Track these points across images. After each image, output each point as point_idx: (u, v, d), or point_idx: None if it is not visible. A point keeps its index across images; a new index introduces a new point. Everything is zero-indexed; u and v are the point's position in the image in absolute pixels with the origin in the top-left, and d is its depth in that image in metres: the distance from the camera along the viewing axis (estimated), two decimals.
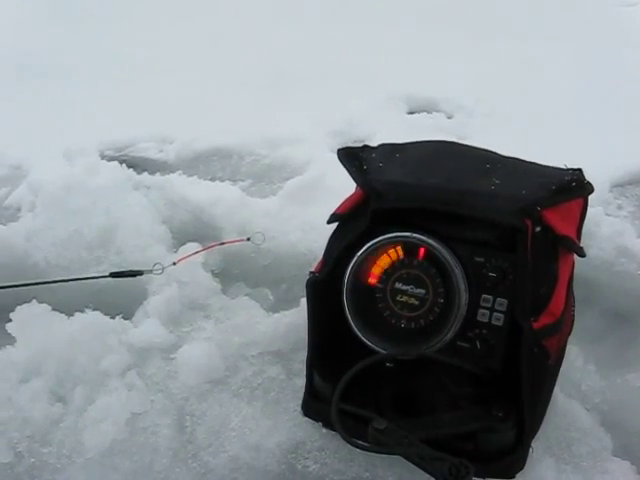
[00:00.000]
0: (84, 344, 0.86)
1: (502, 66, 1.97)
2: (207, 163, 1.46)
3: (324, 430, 0.76)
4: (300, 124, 1.52)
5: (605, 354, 0.93)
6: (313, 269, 0.76)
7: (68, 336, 0.86)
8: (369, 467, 0.73)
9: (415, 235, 0.67)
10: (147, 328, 0.91)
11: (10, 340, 0.88)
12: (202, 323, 0.94)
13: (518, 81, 1.82)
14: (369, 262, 0.70)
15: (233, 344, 0.90)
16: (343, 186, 0.81)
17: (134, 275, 0.97)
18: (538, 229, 0.65)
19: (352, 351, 0.71)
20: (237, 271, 1.10)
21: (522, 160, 0.77)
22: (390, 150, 0.79)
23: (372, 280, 0.71)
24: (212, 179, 1.40)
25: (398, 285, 0.70)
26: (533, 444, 0.71)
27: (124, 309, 0.96)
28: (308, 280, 0.73)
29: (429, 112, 1.64)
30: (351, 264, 0.70)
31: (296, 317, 0.91)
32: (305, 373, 0.78)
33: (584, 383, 0.85)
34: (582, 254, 0.69)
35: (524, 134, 1.43)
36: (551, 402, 0.76)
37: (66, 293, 1.02)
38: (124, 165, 1.31)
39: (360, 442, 0.63)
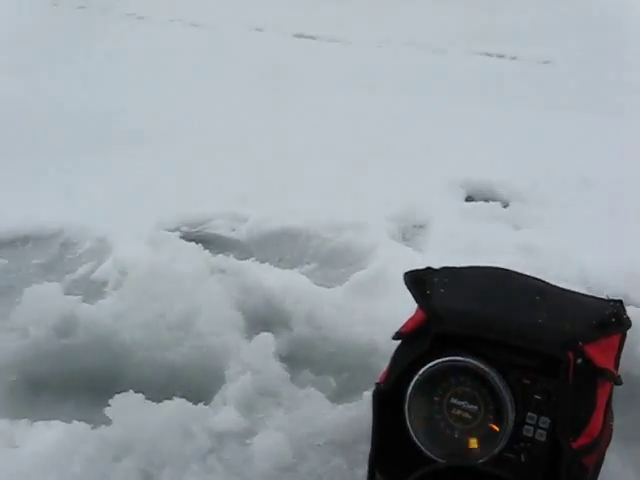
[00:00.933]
0: (171, 429, 1.02)
1: (563, 145, 2.09)
2: (277, 244, 1.62)
3: None
4: (362, 207, 1.68)
5: None
6: (378, 380, 0.89)
7: (158, 421, 1.02)
8: None
9: (470, 360, 0.80)
10: (225, 415, 1.06)
11: (107, 421, 1.04)
12: (273, 411, 1.09)
13: (579, 164, 1.94)
14: (430, 379, 0.83)
15: (301, 433, 1.04)
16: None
17: None
18: (579, 361, 0.77)
19: (411, 455, 0.83)
20: (303, 357, 1.25)
21: (568, 290, 0.89)
22: (451, 274, 0.92)
23: (431, 394, 0.84)
24: (281, 260, 1.57)
25: (454, 400, 0.82)
26: None
27: (204, 394, 1.12)
28: (374, 391, 0.86)
29: (486, 200, 1.77)
30: (413, 380, 0.83)
31: (358, 410, 1.05)
32: (367, 468, 0.90)
33: None
34: (619, 383, 0.80)
35: (578, 227, 1.55)
36: None
37: (152, 374, 1.19)
38: (200, 245, 1.50)
39: None
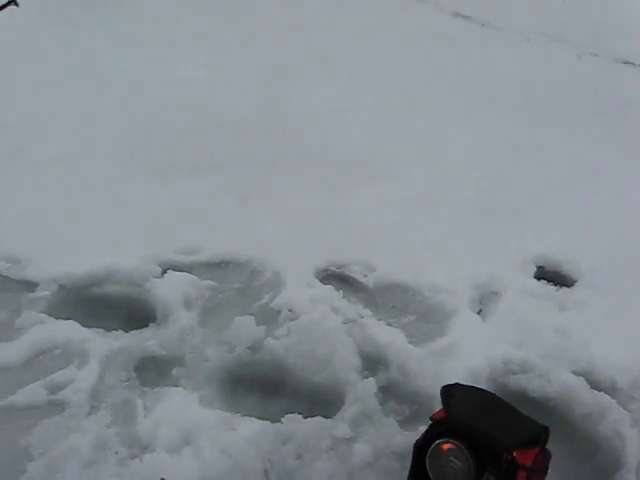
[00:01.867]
0: (313, 431, 2.03)
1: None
2: (392, 294, 2.53)
3: None
4: (453, 273, 2.52)
5: None
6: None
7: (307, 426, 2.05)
8: None
9: (456, 441, 1.71)
10: (342, 428, 2.05)
11: (277, 416, 2.07)
12: (368, 428, 2.05)
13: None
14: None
15: (380, 446, 2.00)
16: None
17: None
18: (509, 457, 1.65)
19: None
20: (393, 394, 2.19)
21: (521, 413, 1.74)
22: (462, 391, 1.80)
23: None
24: (393, 307, 2.48)
25: (450, 459, 1.74)
26: None
27: (330, 410, 2.11)
28: (415, 442, 1.80)
29: (547, 280, 2.53)
30: (432, 445, 1.76)
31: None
32: None
33: None
34: (528, 470, 1.67)
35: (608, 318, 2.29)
36: None
37: (303, 389, 2.21)
38: (340, 291, 2.45)
39: None
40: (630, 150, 3.68)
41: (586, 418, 2.02)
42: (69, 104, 3.96)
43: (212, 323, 2.39)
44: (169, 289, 2.49)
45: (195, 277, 2.56)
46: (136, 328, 2.40)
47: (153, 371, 2.24)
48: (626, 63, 5.27)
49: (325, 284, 2.52)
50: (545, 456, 1.73)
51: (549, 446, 1.83)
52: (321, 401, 2.11)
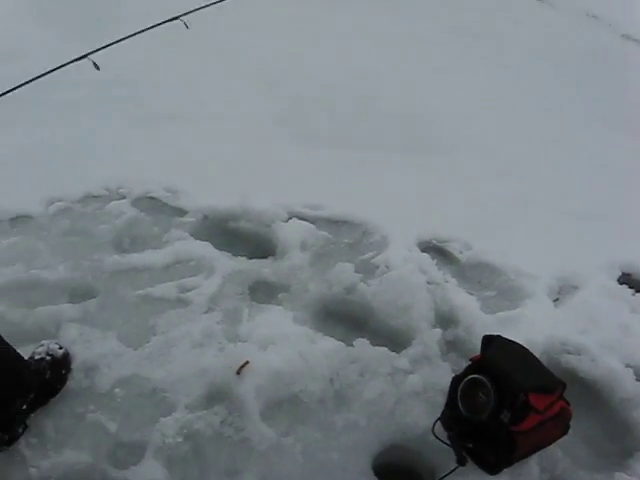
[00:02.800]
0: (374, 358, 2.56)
1: None
2: (481, 272, 2.99)
3: None
4: (540, 263, 2.92)
5: None
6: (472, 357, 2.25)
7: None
8: None
9: (483, 378, 2.15)
10: (405, 358, 2.56)
11: None
12: (425, 366, 2.54)
13: None
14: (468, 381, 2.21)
15: (430, 382, 2.48)
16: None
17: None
18: (523, 398, 2.07)
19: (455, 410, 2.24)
20: (456, 343, 2.66)
21: (544, 366, 2.15)
22: (499, 341, 2.24)
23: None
24: (479, 283, 2.93)
25: (478, 393, 2.19)
26: None
27: (401, 344, 2.63)
28: (453, 376, 2.26)
29: (630, 287, 2.86)
30: (466, 378, 2.21)
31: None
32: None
33: None
34: (541, 413, 2.07)
35: None
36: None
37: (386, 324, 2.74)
38: (435, 260, 2.94)
39: None
40: None
41: (624, 403, 2.34)
42: (240, 77, 4.78)
43: (319, 265, 2.94)
44: (290, 232, 3.08)
45: (314, 227, 3.15)
46: (257, 258, 3.01)
47: (263, 292, 2.84)
48: None
49: (423, 252, 3.01)
50: (563, 410, 2.12)
51: (585, 418, 2.23)
52: (392, 340, 2.60)
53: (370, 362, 2.44)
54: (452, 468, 2.10)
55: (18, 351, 2.12)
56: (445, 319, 2.65)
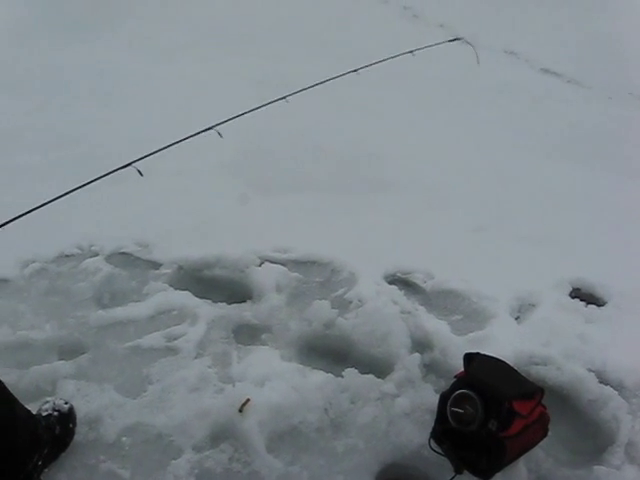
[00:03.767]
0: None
1: None
2: (445, 298, 3.26)
3: None
4: (499, 286, 3.21)
5: None
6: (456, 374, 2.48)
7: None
8: None
9: (469, 392, 2.38)
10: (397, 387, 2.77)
11: None
12: (412, 385, 2.76)
13: None
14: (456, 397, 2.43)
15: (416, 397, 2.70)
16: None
17: None
18: (507, 406, 2.31)
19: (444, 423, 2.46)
20: (431, 363, 2.90)
21: (521, 375, 2.40)
22: (479, 359, 2.48)
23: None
24: (445, 309, 3.19)
25: (466, 406, 2.42)
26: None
27: (382, 370, 2.84)
28: (440, 394, 2.48)
29: (582, 300, 3.20)
30: (453, 394, 2.44)
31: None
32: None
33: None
34: (525, 417, 2.31)
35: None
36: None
37: (372, 355, 2.95)
38: (402, 291, 3.19)
39: None
40: None
41: (591, 404, 2.60)
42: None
43: (296, 305, 3.14)
44: (264, 276, 3.27)
45: (286, 269, 3.35)
46: (236, 302, 3.18)
47: (247, 334, 3.00)
48: None
49: (390, 285, 3.26)
50: (543, 415, 2.37)
51: (559, 421, 2.48)
52: (376, 368, 2.81)
53: (359, 389, 2.63)
54: (449, 478, 2.29)
55: None
56: (421, 344, 2.87)
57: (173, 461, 2.35)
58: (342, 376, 2.70)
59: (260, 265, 3.33)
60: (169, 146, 2.31)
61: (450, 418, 2.36)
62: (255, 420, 2.45)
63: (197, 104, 5.28)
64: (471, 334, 2.92)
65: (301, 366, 2.76)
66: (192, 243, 3.43)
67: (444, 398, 2.41)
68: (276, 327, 2.99)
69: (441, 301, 3.20)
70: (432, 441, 2.40)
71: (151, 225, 3.63)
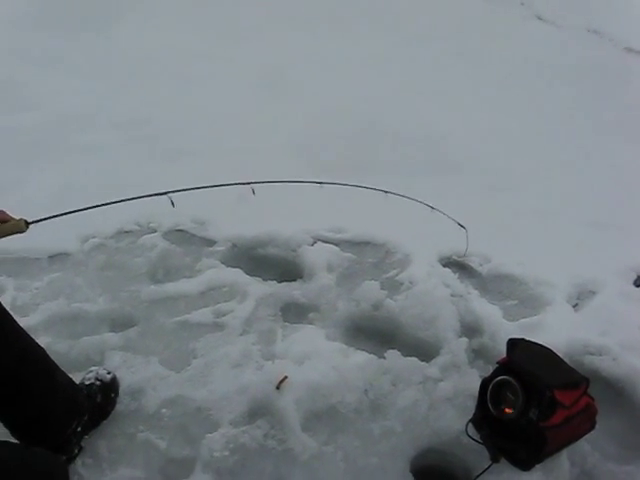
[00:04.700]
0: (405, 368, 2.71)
1: None
2: (501, 282, 3.14)
3: None
4: (558, 272, 3.08)
5: None
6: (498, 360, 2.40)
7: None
8: None
9: (510, 379, 2.30)
10: (436, 367, 2.71)
11: None
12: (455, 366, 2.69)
13: None
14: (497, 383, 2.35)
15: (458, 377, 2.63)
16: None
17: None
18: (549, 394, 2.21)
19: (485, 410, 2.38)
20: (481, 348, 2.81)
21: (565, 362, 2.29)
22: (523, 344, 2.39)
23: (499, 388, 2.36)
24: (500, 293, 3.09)
25: (507, 393, 2.34)
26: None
27: (429, 353, 2.78)
28: (481, 380, 2.41)
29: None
30: (493, 381, 2.36)
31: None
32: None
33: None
34: (567, 408, 2.21)
35: None
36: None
37: (417, 336, 2.89)
38: (457, 273, 3.10)
39: None
40: None
41: None
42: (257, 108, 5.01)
43: (345, 285, 3.11)
44: (316, 255, 3.26)
45: (338, 249, 3.33)
46: (286, 281, 3.18)
47: (294, 313, 3.00)
48: None
49: (444, 267, 3.18)
50: (589, 406, 2.26)
51: (610, 414, 2.37)
52: (421, 351, 2.75)
53: (401, 372, 2.58)
54: (486, 466, 2.22)
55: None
56: (470, 328, 2.79)
57: (209, 435, 2.36)
58: (385, 358, 2.64)
59: (313, 245, 3.32)
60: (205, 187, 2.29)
61: (490, 405, 2.28)
62: (292, 398, 2.44)
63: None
64: (524, 320, 2.81)
65: (344, 346, 2.72)
66: (247, 221, 3.45)
67: (485, 384, 2.33)
68: (324, 306, 2.97)
69: (496, 285, 3.10)
70: (470, 427, 2.32)
71: (208, 203, 3.65)
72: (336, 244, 3.33)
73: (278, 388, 2.46)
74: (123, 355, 2.68)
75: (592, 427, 2.28)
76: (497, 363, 2.35)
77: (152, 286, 3.08)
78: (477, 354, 2.70)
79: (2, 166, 4.05)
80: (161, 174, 3.97)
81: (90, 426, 2.34)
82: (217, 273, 3.18)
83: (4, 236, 1.60)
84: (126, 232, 3.50)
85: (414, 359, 2.65)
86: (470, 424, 2.34)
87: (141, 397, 2.50)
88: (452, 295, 2.93)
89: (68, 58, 5.93)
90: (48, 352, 2.21)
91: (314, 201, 3.56)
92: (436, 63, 5.77)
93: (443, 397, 2.50)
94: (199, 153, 4.26)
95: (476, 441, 2.28)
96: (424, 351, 2.72)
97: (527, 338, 2.40)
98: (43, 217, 1.67)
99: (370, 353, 2.69)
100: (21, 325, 2.11)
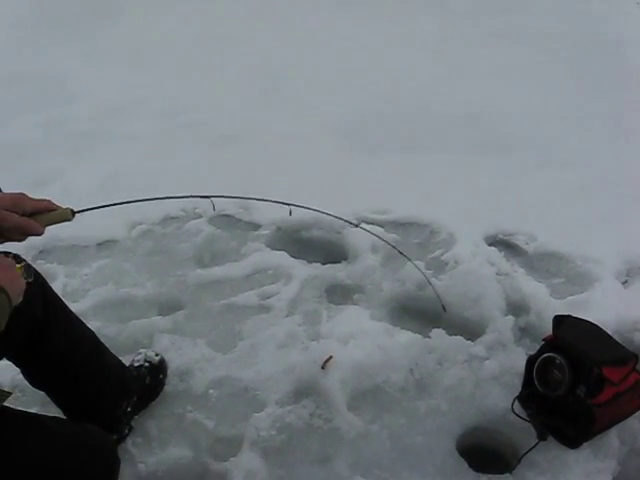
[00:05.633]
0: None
1: None
2: (549, 260, 3.12)
3: None
4: (607, 248, 3.03)
5: None
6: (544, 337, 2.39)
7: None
8: None
9: (557, 355, 2.28)
10: (482, 346, 2.71)
11: None
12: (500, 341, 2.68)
13: None
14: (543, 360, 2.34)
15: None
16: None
17: None
18: (597, 371, 2.19)
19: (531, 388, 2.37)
20: (527, 327, 2.79)
21: (614, 340, 2.27)
22: (570, 321, 2.37)
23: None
24: (547, 271, 3.06)
25: (553, 370, 2.32)
26: None
27: (475, 332, 2.77)
28: (527, 357, 2.40)
29: None
30: (540, 357, 2.35)
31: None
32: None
33: None
34: (616, 385, 2.18)
35: None
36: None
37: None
38: (502, 252, 3.08)
39: None
40: None
41: None
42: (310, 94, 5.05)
43: (390, 266, 3.12)
44: (361, 237, 3.27)
45: (383, 230, 3.33)
46: (331, 262, 3.21)
47: (339, 294, 3.02)
48: None
49: (490, 246, 3.16)
50: (638, 383, 2.23)
51: None
52: (467, 330, 2.75)
53: (447, 351, 2.58)
54: (534, 444, 2.21)
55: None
56: (516, 307, 2.78)
57: (256, 414, 2.41)
58: (430, 337, 2.65)
59: (357, 226, 3.32)
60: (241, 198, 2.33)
61: (536, 382, 2.28)
62: (337, 377, 2.46)
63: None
64: (571, 297, 2.78)
65: (390, 326, 2.74)
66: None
67: (531, 362, 2.33)
68: (369, 287, 2.99)
69: (543, 263, 3.07)
70: (517, 405, 2.31)
71: (253, 188, 3.66)
72: (381, 225, 3.34)
73: (323, 368, 2.48)
74: (171, 338, 2.73)
75: None
76: (543, 340, 2.34)
77: (198, 270, 3.13)
78: (523, 332, 2.68)
79: (50, 157, 4.13)
80: (206, 161, 4.02)
81: (140, 407, 2.40)
82: (262, 256, 3.22)
83: (51, 224, 1.66)
84: (172, 218, 3.57)
85: (459, 338, 2.64)
86: (516, 402, 2.32)
87: (189, 378, 2.55)
88: (497, 274, 2.91)
89: (100, 50, 6.01)
90: (98, 336, 2.27)
91: (359, 181, 3.59)
92: (482, 41, 5.69)
93: (489, 375, 2.49)
94: (244, 139, 4.29)
95: (523, 419, 2.27)
96: (470, 330, 2.71)
97: (574, 315, 2.35)
98: (89, 207, 1.71)
99: (415, 333, 2.69)
100: (72, 310, 2.17)
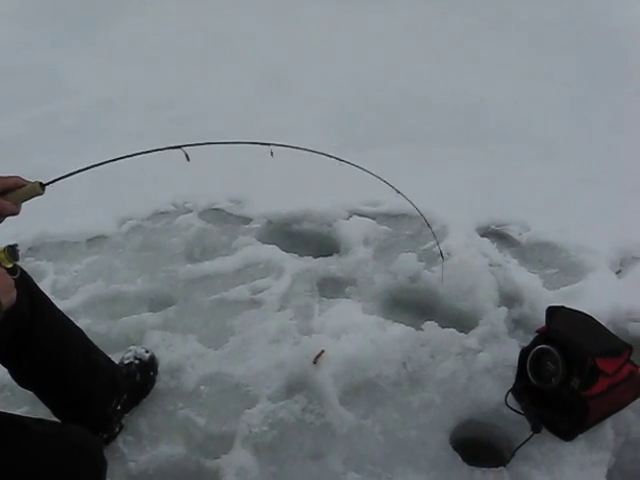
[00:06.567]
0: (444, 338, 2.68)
1: None
2: (541, 251, 3.08)
3: None
4: (601, 238, 2.99)
5: None
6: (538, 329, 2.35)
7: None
8: None
9: (550, 347, 2.25)
10: (474, 338, 2.67)
11: None
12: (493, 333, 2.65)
13: None
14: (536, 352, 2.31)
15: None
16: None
17: None
18: (591, 363, 2.16)
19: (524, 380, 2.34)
20: (520, 317, 2.76)
21: (607, 330, 2.24)
22: (562, 312, 2.34)
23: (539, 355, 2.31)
24: (540, 262, 3.03)
25: (547, 362, 2.29)
26: None
27: (467, 324, 2.74)
28: (521, 349, 2.37)
29: None
30: (534, 349, 2.32)
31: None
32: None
33: None
34: (610, 376, 2.15)
35: None
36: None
37: (457, 309, 2.86)
38: (495, 243, 3.05)
39: None
40: None
41: None
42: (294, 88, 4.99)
43: (382, 258, 3.08)
44: (352, 229, 3.24)
45: (375, 222, 3.30)
46: (322, 256, 3.17)
47: (331, 287, 2.99)
48: None
49: (482, 237, 3.13)
50: (633, 374, 2.20)
51: None
52: (460, 322, 2.72)
53: (440, 344, 2.55)
54: (528, 437, 2.18)
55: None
56: (510, 298, 2.75)
57: (247, 410, 2.38)
58: (423, 329, 2.62)
59: (348, 218, 3.30)
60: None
61: (530, 375, 2.25)
62: (329, 372, 2.43)
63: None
64: (564, 288, 2.76)
65: (382, 319, 2.71)
66: (282, 198, 3.45)
67: (524, 354, 2.30)
68: (361, 280, 2.96)
69: (536, 254, 3.04)
70: (510, 398, 2.29)
71: (243, 183, 3.67)
72: (372, 217, 3.30)
73: (315, 362, 2.45)
74: (162, 334, 2.70)
75: (636, 395, 2.23)
76: (536, 332, 2.31)
77: (189, 265, 3.10)
78: (517, 324, 2.65)
79: (40, 153, 4.09)
80: (199, 156, 3.96)
81: (130, 404, 2.37)
82: (253, 250, 3.19)
83: (23, 200, 1.61)
84: (162, 213, 3.54)
85: (452, 330, 2.61)
86: (510, 394, 2.29)
87: (180, 375, 2.52)
88: (490, 265, 2.88)
89: (94, 44, 5.96)
90: (88, 333, 2.25)
91: (349, 173, 3.53)
92: (478, 31, 5.65)
93: (482, 368, 2.46)
94: (232, 133, 4.22)
95: (517, 412, 2.24)
96: (462, 322, 2.68)
97: (567, 306, 2.32)
98: (57, 177, 1.65)
99: (408, 325, 2.66)
100: (61, 308, 2.14)
